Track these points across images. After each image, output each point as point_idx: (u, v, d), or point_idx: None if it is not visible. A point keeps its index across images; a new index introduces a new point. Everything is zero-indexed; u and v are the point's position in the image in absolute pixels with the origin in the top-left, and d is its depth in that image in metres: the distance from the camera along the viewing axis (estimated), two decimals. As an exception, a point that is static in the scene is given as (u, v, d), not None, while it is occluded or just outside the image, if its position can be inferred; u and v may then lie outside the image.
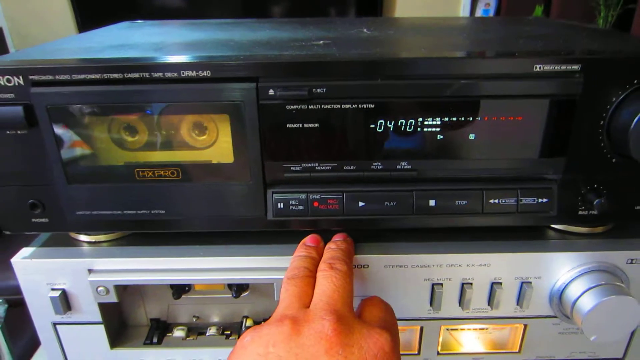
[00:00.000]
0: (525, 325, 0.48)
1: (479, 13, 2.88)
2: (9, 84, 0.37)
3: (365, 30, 0.54)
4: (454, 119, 0.39)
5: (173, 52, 0.41)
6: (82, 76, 0.37)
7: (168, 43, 0.48)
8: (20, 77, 0.37)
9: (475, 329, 0.51)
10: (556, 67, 0.37)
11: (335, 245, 0.42)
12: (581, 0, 1.98)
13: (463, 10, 2.99)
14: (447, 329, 0.50)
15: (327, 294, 0.36)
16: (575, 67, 0.37)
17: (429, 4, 2.95)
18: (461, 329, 0.50)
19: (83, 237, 0.47)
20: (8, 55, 0.40)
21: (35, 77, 0.37)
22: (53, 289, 0.44)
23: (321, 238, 0.44)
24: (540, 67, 0.37)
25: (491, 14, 2.81)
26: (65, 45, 0.48)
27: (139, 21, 0.71)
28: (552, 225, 0.47)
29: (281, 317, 0.34)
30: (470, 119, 0.39)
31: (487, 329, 0.50)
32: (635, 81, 0.37)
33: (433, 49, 0.46)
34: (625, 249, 0.44)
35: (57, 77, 0.37)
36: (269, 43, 0.46)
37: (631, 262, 0.44)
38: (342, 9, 2.95)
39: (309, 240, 0.43)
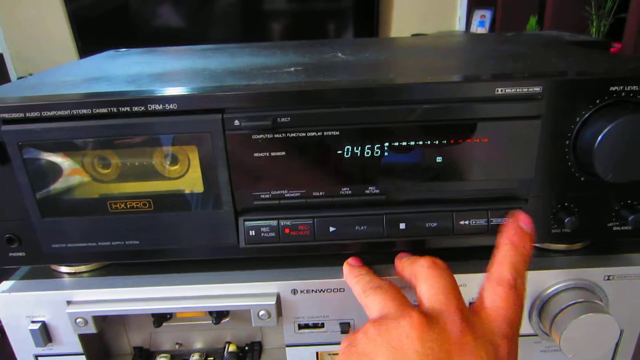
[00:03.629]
0: (507, 345, 0.48)
1: (474, 25, 2.91)
2: (-19, 123, 0.38)
3: (340, 54, 0.55)
4: (420, 142, 0.39)
5: (144, 85, 0.42)
6: (52, 113, 0.38)
7: (143, 74, 0.49)
8: (-9, 116, 0.37)
9: (458, 349, 0.50)
10: (518, 90, 0.38)
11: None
12: (574, 10, 2.00)
13: (459, 23, 3.01)
14: (429, 350, 0.50)
15: (443, 292, 0.35)
16: (537, 89, 0.38)
17: (425, 16, 2.98)
18: (443, 350, 0.50)
19: (63, 269, 0.47)
20: (-18, 94, 0.41)
21: (6, 115, 0.37)
22: (33, 322, 0.45)
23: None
24: (502, 90, 0.38)
25: (487, 25, 2.83)
26: (43, 79, 0.49)
27: (123, 50, 0.72)
28: (529, 243, 0.47)
29: (401, 310, 0.34)
30: (436, 142, 0.39)
31: (469, 348, 0.50)
32: (598, 101, 0.38)
33: (400, 74, 0.47)
34: (602, 265, 0.44)
35: (27, 114, 0.37)
36: (240, 72, 0.47)
37: (608, 279, 0.44)
38: (339, 26, 2.99)
39: (353, 261, 0.43)
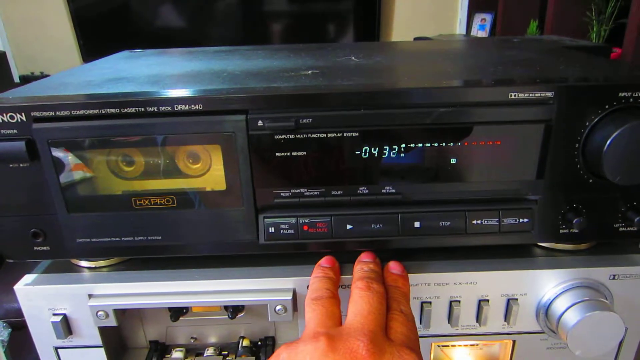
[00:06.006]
0: (514, 341, 0.49)
1: (475, 28, 2.92)
2: (12, 121, 0.39)
3: (353, 58, 0.57)
4: (435, 144, 0.41)
5: (168, 86, 0.43)
6: (81, 112, 0.39)
7: (164, 75, 0.50)
8: (23, 114, 0.39)
9: (466, 345, 0.52)
10: (530, 95, 0.39)
11: (367, 267, 0.43)
12: (575, 15, 2.01)
13: (460, 27, 3.03)
14: (438, 346, 0.51)
15: (363, 314, 0.37)
16: (549, 94, 0.39)
17: (426, 19, 3.00)
18: (452, 345, 0.52)
19: (84, 263, 0.48)
20: (11, 92, 0.42)
21: (37, 114, 0.39)
22: (54, 314, 0.46)
23: (335, 259, 0.45)
24: (515, 95, 0.39)
25: (487, 29, 2.85)
26: (67, 79, 0.50)
27: (138, 50, 0.73)
28: (537, 243, 0.49)
29: (315, 334, 0.36)
30: (451, 144, 0.41)
31: (477, 344, 0.52)
32: (607, 106, 0.39)
33: (415, 77, 0.48)
34: (608, 265, 0.45)
35: (57, 113, 0.39)
36: (260, 74, 0.48)
37: (614, 278, 0.45)
38: (340, 28, 3.01)
39: (324, 261, 0.45)
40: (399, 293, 0.42)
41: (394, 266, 0.45)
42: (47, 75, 2.67)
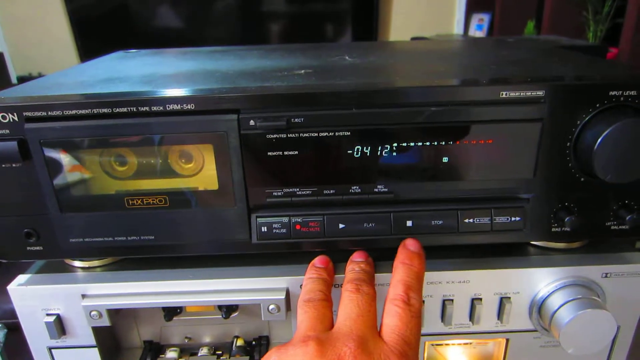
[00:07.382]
0: (507, 340, 0.49)
1: (472, 28, 2.93)
2: (4, 121, 0.39)
3: (347, 57, 0.57)
4: (427, 143, 0.41)
5: (160, 86, 0.43)
6: (74, 112, 0.39)
7: (157, 75, 0.50)
8: (15, 114, 0.39)
9: (460, 344, 0.52)
10: (521, 94, 0.39)
11: (358, 267, 0.43)
12: (571, 15, 2.02)
13: (457, 27, 3.04)
14: (432, 344, 0.51)
15: (352, 317, 0.38)
16: (540, 93, 0.39)
17: (424, 20, 3.01)
18: (445, 344, 0.52)
19: (77, 263, 0.48)
20: (3, 92, 0.42)
21: (29, 114, 0.39)
22: (48, 314, 0.46)
23: (329, 259, 0.45)
24: (506, 94, 0.39)
25: (485, 29, 2.86)
26: (60, 79, 0.50)
27: (133, 51, 0.73)
28: (530, 241, 0.49)
29: (305, 337, 0.36)
30: (443, 143, 0.41)
31: (471, 343, 0.52)
32: (598, 105, 0.40)
33: (407, 77, 0.48)
34: (600, 263, 0.46)
35: (49, 113, 0.39)
36: (253, 73, 0.48)
37: (606, 276, 0.45)
38: (338, 28, 3.01)
39: (318, 261, 0.45)
40: (411, 273, 0.40)
41: (410, 243, 0.43)
42: (44, 76, 2.66)
